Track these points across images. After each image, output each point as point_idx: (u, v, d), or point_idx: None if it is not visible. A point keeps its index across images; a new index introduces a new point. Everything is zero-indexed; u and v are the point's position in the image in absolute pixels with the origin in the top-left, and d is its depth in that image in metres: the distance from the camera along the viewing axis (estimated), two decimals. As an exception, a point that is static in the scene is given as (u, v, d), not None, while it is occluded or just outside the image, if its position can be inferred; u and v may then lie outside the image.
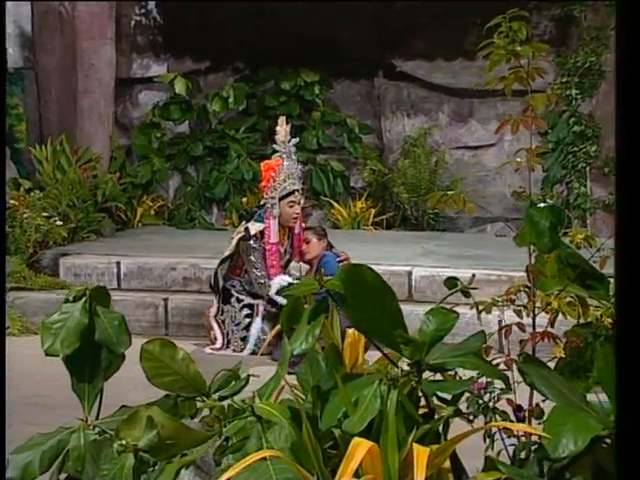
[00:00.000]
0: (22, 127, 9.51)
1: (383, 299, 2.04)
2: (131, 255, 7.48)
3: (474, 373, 2.24)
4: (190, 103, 9.99)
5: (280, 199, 6.14)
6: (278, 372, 2.19)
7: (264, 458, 1.91)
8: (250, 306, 6.22)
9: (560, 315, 2.54)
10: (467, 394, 2.34)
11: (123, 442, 2.18)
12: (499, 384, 2.36)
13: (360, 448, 1.86)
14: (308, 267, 6.41)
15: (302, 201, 6.33)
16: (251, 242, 6.14)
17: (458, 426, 2.26)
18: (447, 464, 2.01)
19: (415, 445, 1.91)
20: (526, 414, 2.44)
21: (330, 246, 6.46)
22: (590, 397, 2.16)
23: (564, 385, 2.11)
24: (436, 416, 2.11)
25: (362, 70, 10.09)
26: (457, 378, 2.31)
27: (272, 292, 6.06)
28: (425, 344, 2.07)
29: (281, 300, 6.00)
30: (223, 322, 6.28)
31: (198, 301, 6.78)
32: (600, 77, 8.88)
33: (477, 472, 2.14)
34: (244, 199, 9.66)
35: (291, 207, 6.19)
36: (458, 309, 2.30)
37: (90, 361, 2.48)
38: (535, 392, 2.31)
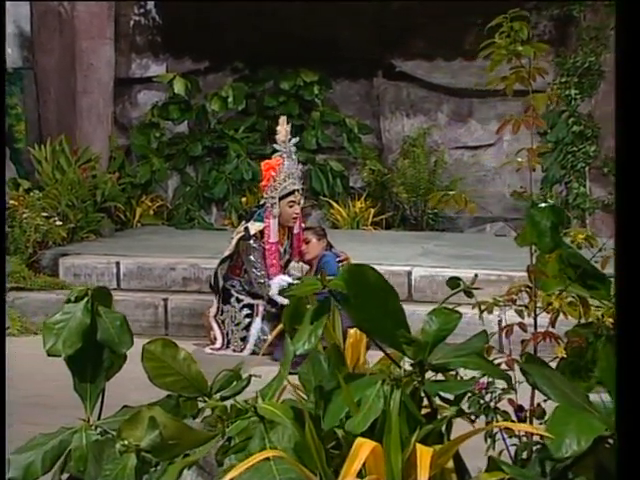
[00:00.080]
0: (21, 127, 9.51)
1: (386, 299, 2.04)
2: (131, 255, 7.48)
3: (475, 373, 2.24)
4: (189, 103, 9.98)
5: (280, 199, 6.14)
6: (281, 372, 2.19)
7: (267, 458, 1.91)
8: (250, 306, 6.22)
9: (560, 315, 2.55)
10: (468, 394, 2.34)
11: (125, 442, 2.18)
12: (500, 384, 2.37)
13: (364, 448, 1.86)
14: (308, 267, 6.41)
15: (302, 201, 6.33)
16: (251, 242, 6.14)
17: (460, 426, 2.26)
18: (450, 464, 2.01)
19: (418, 445, 1.91)
20: (527, 414, 2.44)
21: (330, 246, 6.46)
22: (593, 397, 2.16)
23: (567, 385, 2.11)
24: (438, 416, 2.11)
25: (361, 70, 10.09)
26: (458, 378, 2.31)
27: (272, 292, 6.06)
28: (428, 344, 2.08)
29: (281, 300, 6.01)
30: (223, 322, 6.28)
31: (198, 301, 6.78)
32: (599, 77, 8.88)
33: (479, 472, 2.14)
34: (243, 199, 9.66)
35: (291, 207, 6.20)
36: (458, 309, 2.30)
37: (92, 361, 2.48)
38: (536, 392, 2.31)
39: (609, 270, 2.33)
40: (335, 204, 9.65)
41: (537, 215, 2.43)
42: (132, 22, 10.23)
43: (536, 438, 2.30)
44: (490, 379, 2.36)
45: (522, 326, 2.53)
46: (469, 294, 2.43)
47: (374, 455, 1.88)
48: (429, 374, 2.18)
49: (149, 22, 10.29)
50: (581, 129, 8.94)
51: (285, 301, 5.99)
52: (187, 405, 2.46)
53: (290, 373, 2.37)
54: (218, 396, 2.44)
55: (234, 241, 6.22)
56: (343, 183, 9.91)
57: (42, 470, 2.39)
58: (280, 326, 3.89)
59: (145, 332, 6.46)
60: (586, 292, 2.52)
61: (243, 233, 6.18)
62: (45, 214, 7.69)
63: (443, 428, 2.08)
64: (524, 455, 2.31)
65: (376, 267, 2.11)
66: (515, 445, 2.37)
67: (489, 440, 2.38)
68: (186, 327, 6.73)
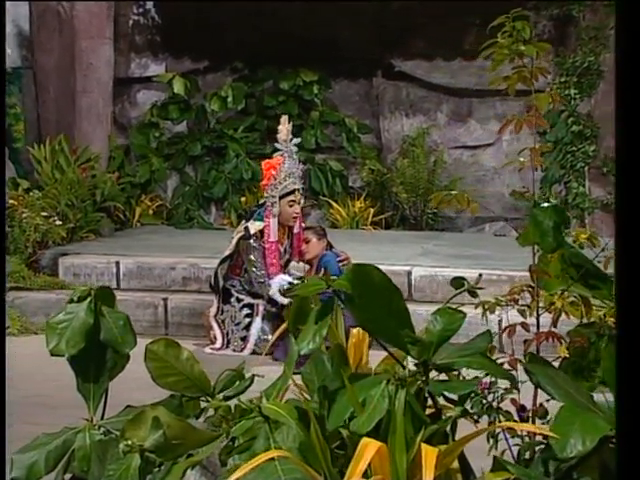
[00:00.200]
0: (20, 127, 9.51)
1: (390, 299, 2.04)
2: (130, 255, 7.48)
3: (477, 373, 2.24)
4: (188, 103, 9.98)
5: (280, 198, 6.14)
6: (285, 372, 2.19)
7: (272, 458, 1.90)
8: (250, 306, 6.22)
9: (562, 315, 2.55)
10: (471, 394, 2.34)
11: (129, 442, 2.18)
12: (502, 384, 2.37)
13: (369, 448, 1.86)
14: (308, 266, 6.41)
15: (302, 201, 6.33)
16: (251, 241, 6.14)
17: (462, 426, 2.26)
18: (455, 464, 2.01)
19: (423, 445, 1.91)
20: (530, 414, 2.45)
21: (330, 246, 6.46)
22: (597, 397, 2.16)
23: (570, 385, 2.11)
24: (442, 416, 2.11)
25: (361, 70, 10.09)
26: (460, 378, 2.31)
27: (272, 291, 6.06)
28: (432, 344, 2.08)
29: (281, 299, 6.01)
30: (223, 322, 6.28)
31: (198, 301, 6.78)
32: (599, 77, 8.89)
33: (482, 472, 2.14)
34: (243, 199, 9.65)
35: (291, 206, 6.20)
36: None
37: (95, 361, 2.47)
38: (537, 391, 2.32)
39: (611, 270, 2.34)
40: (334, 204, 9.64)
41: (540, 215, 2.43)
42: (131, 22, 10.22)
43: (538, 438, 2.30)
44: (492, 379, 2.36)
45: (525, 326, 2.53)
46: (473, 294, 2.43)
47: (379, 455, 1.88)
48: (432, 374, 2.18)
49: (148, 22, 10.29)
50: (580, 129, 8.95)
51: (285, 300, 5.99)
52: (190, 405, 2.46)
53: (293, 373, 2.37)
54: (221, 396, 2.44)
55: (234, 240, 6.22)
56: (342, 183, 9.91)
57: (45, 470, 2.39)
58: (282, 326, 3.91)
59: (145, 332, 6.44)
60: (588, 292, 2.52)
61: (243, 232, 6.18)
62: (45, 214, 7.68)
63: (448, 428, 2.08)
64: (527, 455, 2.31)
65: (376, 267, 2.11)
66: (518, 445, 2.37)
67: (491, 440, 2.38)
68: (186, 327, 6.73)
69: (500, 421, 2.36)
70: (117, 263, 7.29)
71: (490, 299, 2.55)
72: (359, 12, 9.65)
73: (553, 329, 2.51)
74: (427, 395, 2.13)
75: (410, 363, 2.17)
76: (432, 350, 2.07)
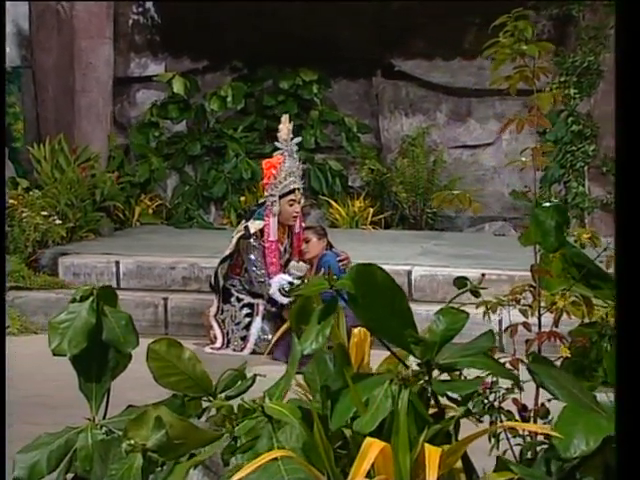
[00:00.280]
0: (19, 126, 9.50)
1: (393, 299, 2.04)
2: (130, 254, 7.47)
3: (478, 372, 2.24)
4: (188, 102, 9.98)
5: (280, 197, 6.14)
6: (289, 372, 2.19)
7: (275, 458, 1.90)
8: (250, 305, 6.21)
9: (563, 314, 2.55)
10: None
11: (131, 442, 2.18)
12: (503, 384, 2.37)
13: (373, 448, 1.86)
14: (308, 266, 6.41)
15: (302, 200, 6.33)
16: (251, 240, 6.13)
17: (464, 426, 2.26)
18: (459, 464, 2.01)
19: (427, 445, 1.91)
20: (531, 414, 2.45)
21: (330, 245, 6.46)
22: (600, 397, 2.16)
23: (574, 385, 2.12)
24: (445, 416, 2.11)
25: (360, 69, 10.09)
26: (462, 378, 2.31)
27: (272, 291, 6.06)
28: (435, 344, 2.08)
29: (281, 299, 6.01)
30: (223, 321, 6.27)
31: (198, 300, 6.77)
32: (598, 76, 8.89)
33: (484, 472, 2.14)
34: (242, 198, 9.65)
35: (291, 205, 6.19)
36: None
37: (97, 361, 2.48)
38: (540, 392, 2.32)
39: (613, 269, 2.34)
40: (334, 203, 9.64)
41: (541, 214, 2.43)
42: (131, 21, 10.22)
43: (539, 438, 2.30)
44: (494, 379, 2.36)
45: (527, 326, 2.53)
46: (476, 294, 2.43)
47: (383, 455, 1.88)
48: (434, 373, 2.18)
49: (148, 21, 10.28)
50: (580, 128, 8.94)
51: (285, 300, 5.99)
52: (191, 405, 2.46)
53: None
54: (223, 396, 2.44)
55: (234, 240, 6.22)
56: (342, 182, 9.90)
57: (47, 469, 2.39)
58: (283, 326, 3.91)
59: (145, 331, 6.38)
60: (590, 292, 2.52)
61: (243, 232, 6.18)
62: (44, 213, 7.68)
63: (451, 428, 2.08)
64: (528, 455, 2.31)
65: (377, 267, 2.10)
66: (519, 445, 2.37)
67: (493, 440, 2.38)
68: (186, 326, 6.72)
69: (502, 421, 2.36)
70: (117, 263, 7.28)
71: (490, 298, 2.55)
72: (359, 12, 9.65)
73: (555, 329, 2.51)
74: (430, 395, 2.13)
75: (413, 363, 2.17)
76: (435, 350, 2.07)
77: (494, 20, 2.70)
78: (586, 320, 2.55)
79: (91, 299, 2.47)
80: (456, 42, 9.53)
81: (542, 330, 2.51)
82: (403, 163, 9.59)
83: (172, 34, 10.14)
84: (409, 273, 6.84)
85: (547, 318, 2.55)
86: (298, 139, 6.28)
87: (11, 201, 7.57)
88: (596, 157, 8.94)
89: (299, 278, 6.19)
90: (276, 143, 6.21)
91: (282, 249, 6.29)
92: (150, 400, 2.46)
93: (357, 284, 2.01)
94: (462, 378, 2.29)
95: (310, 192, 9.60)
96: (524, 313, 2.55)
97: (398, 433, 1.90)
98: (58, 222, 7.78)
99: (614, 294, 2.41)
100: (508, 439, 2.40)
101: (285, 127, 6.11)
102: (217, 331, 6.27)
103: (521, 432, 2.37)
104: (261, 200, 6.57)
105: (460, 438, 2.10)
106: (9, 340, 5.91)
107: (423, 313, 5.20)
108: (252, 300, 6.21)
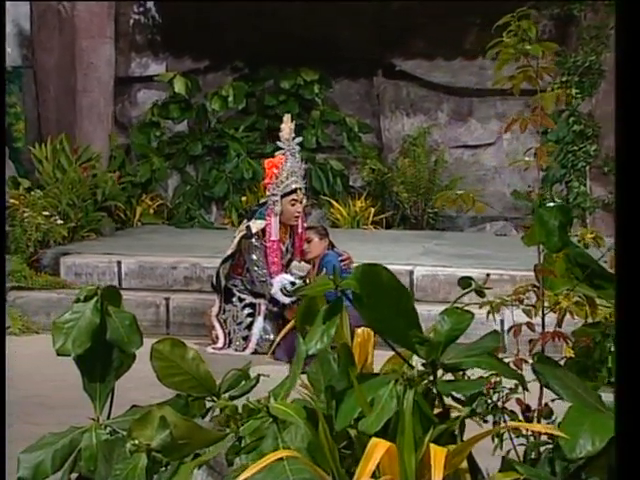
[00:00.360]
0: (20, 126, 9.50)
1: (398, 299, 2.04)
2: (132, 254, 7.47)
3: (482, 373, 2.24)
4: (189, 102, 9.98)
5: (282, 196, 6.13)
6: (294, 372, 2.19)
7: (280, 458, 1.90)
8: (252, 305, 6.21)
9: (567, 315, 2.55)
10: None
11: (136, 442, 2.17)
12: (506, 383, 2.36)
13: (378, 448, 1.85)
14: (310, 266, 6.40)
15: (304, 200, 6.32)
16: (253, 240, 6.13)
17: (468, 426, 2.26)
18: (464, 464, 2.01)
19: (432, 445, 1.91)
20: (535, 414, 2.44)
21: (331, 245, 6.45)
22: (605, 397, 2.16)
23: (579, 385, 2.11)
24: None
25: (361, 69, 10.09)
26: (466, 378, 2.31)
27: (273, 291, 6.06)
28: (440, 344, 2.07)
29: (283, 299, 6.01)
30: (225, 321, 6.27)
31: (199, 300, 6.77)
32: (600, 76, 8.89)
33: (488, 473, 2.14)
34: (243, 198, 9.65)
35: (293, 205, 6.18)
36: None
37: (101, 361, 2.47)
38: (544, 392, 2.31)
39: (616, 270, 2.34)
40: (335, 203, 9.65)
41: (545, 214, 2.43)
42: (132, 21, 10.22)
43: (543, 438, 2.30)
44: (497, 379, 2.36)
45: (530, 326, 2.53)
46: (480, 294, 2.43)
47: (388, 455, 1.88)
48: (438, 374, 2.18)
49: (149, 21, 10.28)
50: (581, 128, 8.94)
51: (287, 300, 5.99)
52: (195, 405, 2.46)
53: (297, 372, 2.36)
54: (227, 396, 2.44)
55: (236, 239, 6.21)
56: (343, 182, 9.91)
57: (52, 469, 2.39)
58: (285, 326, 3.90)
59: (147, 331, 6.31)
60: (593, 292, 2.52)
61: (245, 231, 6.18)
62: (46, 213, 7.67)
63: (456, 428, 2.08)
64: (532, 455, 2.31)
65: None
66: (522, 445, 2.37)
67: (496, 440, 2.37)
68: (188, 326, 6.72)
69: (505, 421, 2.36)
70: (119, 262, 7.28)
71: (492, 299, 2.54)
72: (359, 12, 9.65)
73: (558, 329, 2.51)
74: (435, 395, 2.12)
75: (418, 363, 2.17)
76: (440, 350, 2.07)
77: (495, 20, 2.70)
78: (589, 320, 2.55)
79: (95, 299, 2.46)
80: (457, 42, 9.54)
81: (545, 330, 2.51)
82: (404, 163, 9.59)
83: (173, 34, 10.15)
84: (411, 273, 6.83)
85: (550, 318, 2.55)
86: (300, 138, 6.28)
87: (12, 201, 7.57)
88: (597, 157, 8.94)
89: (301, 278, 6.19)
90: (278, 142, 6.20)
91: (284, 249, 6.29)
92: (154, 400, 2.46)
93: (362, 284, 2.00)
94: (465, 378, 2.29)
95: (311, 192, 9.60)
96: (528, 313, 2.55)
97: (403, 433, 1.90)
98: (59, 222, 7.78)
99: (616, 294, 2.41)
100: (511, 439, 2.40)
101: (287, 126, 6.11)
102: (219, 331, 6.26)
103: (524, 432, 2.37)
104: (262, 200, 6.56)
105: (465, 438, 2.10)
106: (10, 340, 5.92)
107: (425, 313, 5.19)
108: (254, 300, 6.21)
